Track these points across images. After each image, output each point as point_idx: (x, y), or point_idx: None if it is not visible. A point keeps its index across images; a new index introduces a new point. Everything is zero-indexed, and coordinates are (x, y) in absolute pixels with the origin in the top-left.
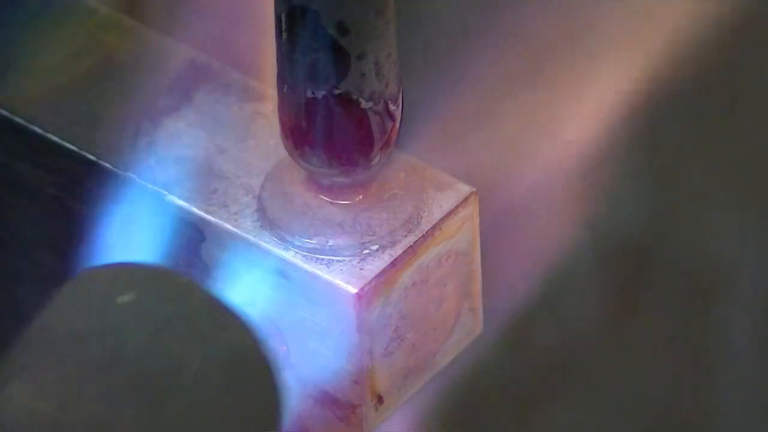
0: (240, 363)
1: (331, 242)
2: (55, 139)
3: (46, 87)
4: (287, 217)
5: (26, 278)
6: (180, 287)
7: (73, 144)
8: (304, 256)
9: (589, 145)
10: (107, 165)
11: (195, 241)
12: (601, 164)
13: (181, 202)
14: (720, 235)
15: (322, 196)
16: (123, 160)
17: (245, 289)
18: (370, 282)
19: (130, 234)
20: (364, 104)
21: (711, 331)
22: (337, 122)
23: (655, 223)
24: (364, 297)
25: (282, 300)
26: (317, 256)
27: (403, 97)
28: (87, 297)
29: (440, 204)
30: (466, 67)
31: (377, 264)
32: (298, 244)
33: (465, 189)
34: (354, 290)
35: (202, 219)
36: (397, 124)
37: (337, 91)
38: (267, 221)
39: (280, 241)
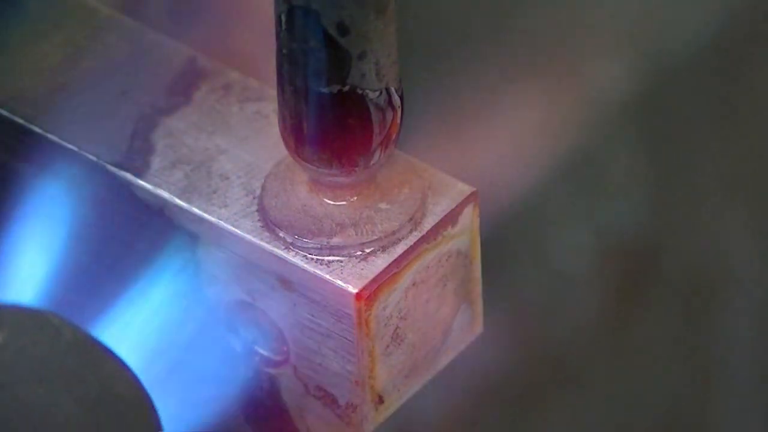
0: (114, 401)
1: (331, 242)
2: (55, 139)
3: (46, 87)
4: (287, 217)
5: None
6: (50, 328)
7: (73, 144)
8: (305, 256)
9: (589, 144)
10: (107, 165)
11: (193, 241)
12: (602, 164)
13: (181, 203)
14: (722, 235)
15: (322, 197)
16: (123, 160)
17: (244, 289)
18: (370, 282)
19: (128, 235)
20: (370, 96)
21: (712, 331)
22: (338, 122)
23: (657, 223)
24: (364, 297)
25: (282, 300)
26: (317, 256)
27: (403, 97)
28: None
29: (440, 204)
30: (466, 67)
31: (377, 264)
32: (299, 244)
33: (465, 189)
34: (354, 290)
35: (201, 219)
36: (398, 123)
37: (337, 91)
38: (267, 221)
39: (280, 242)
